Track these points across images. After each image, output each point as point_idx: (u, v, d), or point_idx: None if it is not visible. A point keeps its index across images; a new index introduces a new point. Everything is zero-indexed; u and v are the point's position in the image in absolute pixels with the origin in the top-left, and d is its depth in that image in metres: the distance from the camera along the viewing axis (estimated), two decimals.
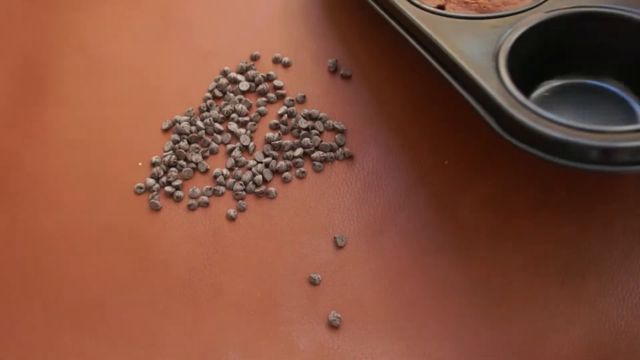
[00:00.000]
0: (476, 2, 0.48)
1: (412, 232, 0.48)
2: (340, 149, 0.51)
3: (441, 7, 0.49)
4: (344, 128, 0.52)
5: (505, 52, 0.40)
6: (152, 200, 0.49)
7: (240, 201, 0.49)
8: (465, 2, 0.48)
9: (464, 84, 0.41)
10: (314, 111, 0.53)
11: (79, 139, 0.52)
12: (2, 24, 0.58)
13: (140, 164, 0.51)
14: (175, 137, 0.52)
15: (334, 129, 0.52)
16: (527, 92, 0.41)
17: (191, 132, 0.52)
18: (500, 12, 0.44)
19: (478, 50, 0.41)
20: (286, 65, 0.56)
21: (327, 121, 0.52)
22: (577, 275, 0.44)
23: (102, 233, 0.48)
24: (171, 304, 0.45)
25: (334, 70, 0.54)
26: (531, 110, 0.37)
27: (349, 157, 0.51)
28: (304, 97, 0.54)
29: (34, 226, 0.48)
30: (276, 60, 0.56)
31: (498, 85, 0.38)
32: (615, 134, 0.35)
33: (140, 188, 0.49)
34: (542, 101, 0.42)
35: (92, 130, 0.52)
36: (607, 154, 0.35)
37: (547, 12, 0.42)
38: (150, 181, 0.49)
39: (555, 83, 0.43)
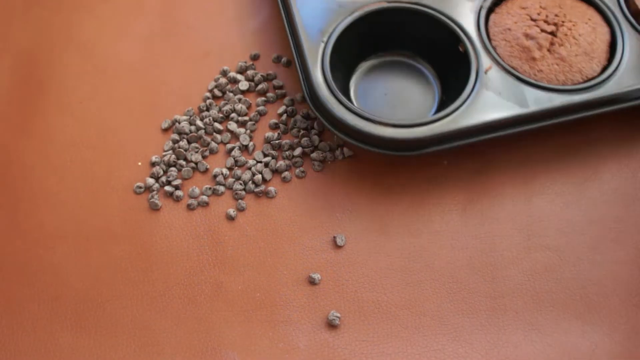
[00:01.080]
0: None
1: (412, 230, 0.48)
2: (339, 148, 0.51)
3: None
4: None
5: (337, 34, 0.50)
6: (151, 200, 0.49)
7: (240, 201, 0.49)
8: None
9: (297, 51, 0.51)
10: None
11: (78, 139, 0.52)
12: (2, 24, 0.58)
13: (139, 163, 0.51)
14: (175, 136, 0.51)
15: None
16: (359, 61, 0.54)
17: (191, 131, 0.52)
18: None
19: (319, 26, 0.50)
20: (286, 65, 0.56)
21: None
22: None
23: (101, 232, 0.48)
24: (171, 304, 0.45)
25: None
26: (339, 100, 0.47)
27: (349, 157, 0.51)
28: (304, 96, 0.54)
29: (34, 226, 0.48)
30: (276, 60, 0.56)
31: (319, 65, 0.49)
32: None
33: (140, 187, 0.49)
34: (370, 70, 0.54)
35: (92, 129, 0.52)
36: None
37: (388, 2, 0.52)
38: (150, 181, 0.49)
39: (384, 58, 0.54)
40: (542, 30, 0.50)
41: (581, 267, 0.46)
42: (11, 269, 0.46)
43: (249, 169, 0.50)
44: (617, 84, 0.48)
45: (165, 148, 0.51)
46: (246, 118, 0.52)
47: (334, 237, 0.47)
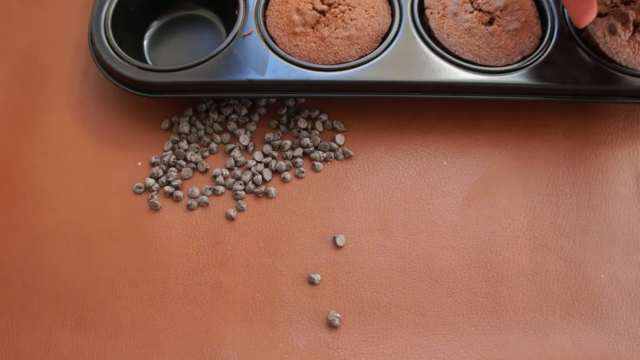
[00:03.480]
0: None
1: (412, 231, 0.48)
2: (339, 148, 0.51)
3: None
4: (344, 128, 0.52)
5: (112, 11, 0.51)
6: (151, 200, 0.49)
7: (240, 201, 0.49)
8: None
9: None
10: (314, 111, 0.52)
11: (78, 138, 0.52)
12: (2, 24, 0.58)
13: (139, 163, 0.51)
14: (175, 137, 0.51)
15: (333, 129, 0.52)
16: (152, 20, 0.56)
17: (191, 132, 0.52)
18: None
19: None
20: None
21: (327, 121, 0.52)
22: None
23: (101, 232, 0.48)
24: (170, 304, 0.45)
25: None
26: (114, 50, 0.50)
27: (349, 157, 0.51)
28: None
29: (34, 226, 0.48)
30: None
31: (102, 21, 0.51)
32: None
33: (140, 188, 0.49)
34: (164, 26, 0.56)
35: (91, 129, 0.52)
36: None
37: None
38: (150, 181, 0.49)
39: (165, 18, 0.56)
40: (314, 8, 0.50)
41: (581, 267, 0.46)
42: (11, 269, 0.46)
43: (249, 169, 0.50)
44: (360, 72, 0.49)
45: (165, 148, 0.51)
46: (246, 119, 0.52)
47: (334, 237, 0.47)
